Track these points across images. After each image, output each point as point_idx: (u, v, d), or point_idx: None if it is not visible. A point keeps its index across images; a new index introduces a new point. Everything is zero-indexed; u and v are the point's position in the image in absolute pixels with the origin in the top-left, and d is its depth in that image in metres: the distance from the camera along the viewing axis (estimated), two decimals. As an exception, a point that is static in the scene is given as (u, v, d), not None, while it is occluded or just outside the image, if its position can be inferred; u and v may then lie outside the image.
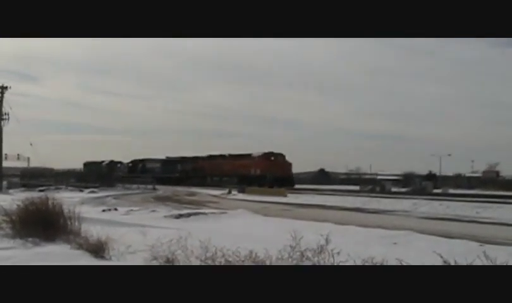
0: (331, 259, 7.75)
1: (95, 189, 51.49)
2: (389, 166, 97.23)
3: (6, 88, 51.99)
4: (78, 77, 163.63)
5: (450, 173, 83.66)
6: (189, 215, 20.20)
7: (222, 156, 72.14)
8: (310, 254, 7.97)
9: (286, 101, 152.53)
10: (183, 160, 79.92)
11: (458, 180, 78.43)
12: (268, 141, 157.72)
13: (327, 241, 9.02)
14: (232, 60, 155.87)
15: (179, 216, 20.18)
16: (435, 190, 52.91)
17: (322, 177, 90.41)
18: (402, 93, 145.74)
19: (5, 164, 57.32)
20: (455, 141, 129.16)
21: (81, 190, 49.74)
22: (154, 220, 18.74)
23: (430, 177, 73.84)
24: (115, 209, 24.71)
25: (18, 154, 73.50)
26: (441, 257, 6.97)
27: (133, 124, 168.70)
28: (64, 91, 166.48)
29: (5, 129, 51.89)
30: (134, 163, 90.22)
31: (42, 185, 49.99)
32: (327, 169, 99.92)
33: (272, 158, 63.17)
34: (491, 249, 11.73)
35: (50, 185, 53.71)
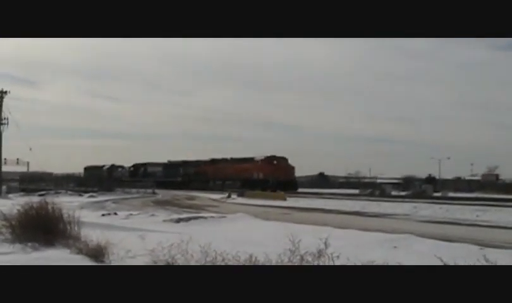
0: (331, 263, 7.76)
1: (94, 194, 51.49)
2: (389, 170, 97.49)
3: (6, 92, 52.00)
4: (77, 82, 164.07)
5: (449, 177, 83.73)
6: (188, 219, 20.19)
7: (224, 160, 71.72)
8: (309, 258, 7.98)
9: (285, 105, 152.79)
10: (185, 163, 79.38)
11: (458, 184, 78.40)
12: (267, 145, 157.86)
13: (327, 245, 9.03)
14: (232, 64, 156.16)
15: (179, 220, 20.16)
16: (435, 194, 52.93)
17: (321, 181, 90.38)
18: (402, 97, 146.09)
19: (4, 169, 57.34)
20: (454, 144, 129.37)
21: (81, 195, 49.76)
22: (154, 224, 18.72)
23: (430, 180, 73.95)
24: (115, 214, 24.69)
25: (18, 159, 73.66)
26: (441, 261, 6.98)
27: (133, 129, 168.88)
28: (63, 95, 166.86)
29: (4, 134, 51.94)
30: (136, 167, 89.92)
31: (41, 190, 49.99)
32: (327, 173, 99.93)
33: (275, 162, 62.74)
34: (491, 252, 11.73)
35: (50, 189, 53.67)
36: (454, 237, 15.91)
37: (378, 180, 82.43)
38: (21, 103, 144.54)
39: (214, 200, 45.14)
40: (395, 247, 12.81)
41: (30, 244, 11.10)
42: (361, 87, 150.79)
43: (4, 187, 55.25)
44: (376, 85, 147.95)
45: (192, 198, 48.38)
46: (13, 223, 12.31)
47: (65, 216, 12.41)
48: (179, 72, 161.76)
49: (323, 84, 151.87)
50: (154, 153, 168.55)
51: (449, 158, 78.85)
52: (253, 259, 7.99)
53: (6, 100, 52.18)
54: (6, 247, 11.04)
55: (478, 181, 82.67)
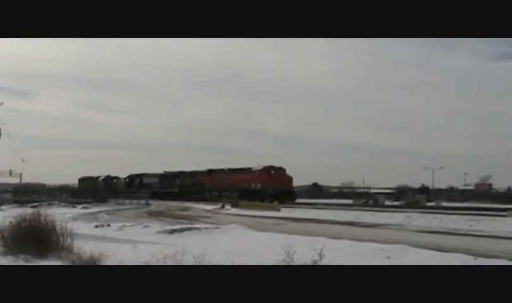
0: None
1: (87, 205, 51.25)
2: (382, 180, 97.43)
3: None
4: (71, 93, 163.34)
5: (443, 186, 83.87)
6: (182, 230, 20.11)
7: (221, 171, 71.00)
8: (304, 269, 7.97)
9: (278, 115, 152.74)
10: (182, 174, 78.42)
11: (451, 193, 78.55)
12: (260, 156, 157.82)
13: (321, 256, 9.03)
14: (223, 75, 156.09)
15: (172, 231, 20.08)
16: (428, 204, 52.96)
17: (315, 191, 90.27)
18: (395, 107, 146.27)
19: (-3, 180, 57.01)
20: (447, 154, 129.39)
21: (74, 206, 49.49)
22: (147, 236, 18.65)
23: (423, 190, 73.99)
24: (108, 225, 24.57)
25: (10, 170, 73.21)
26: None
27: (129, 139, 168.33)
28: (57, 106, 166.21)
29: (-3, 145, 51.60)
30: (132, 178, 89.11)
31: (34, 201, 49.73)
32: (320, 183, 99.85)
33: (273, 172, 62.12)
34: (485, 262, 11.76)
35: (43, 201, 53.41)
36: (448, 246, 15.93)
37: (372, 190, 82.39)
38: (14, 114, 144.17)
39: (208, 211, 45.03)
40: (389, 257, 12.81)
41: (22, 256, 11.03)
42: (354, 97, 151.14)
43: (-4, 199, 54.94)
44: (369, 95, 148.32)
45: (186, 209, 48.26)
46: (5, 235, 12.23)
47: (58, 227, 12.35)
48: (175, 82, 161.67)
49: (315, 95, 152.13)
50: (150, 164, 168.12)
51: (442, 168, 78.89)
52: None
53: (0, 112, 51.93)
54: (-2, 259, 10.96)
55: (471, 191, 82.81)
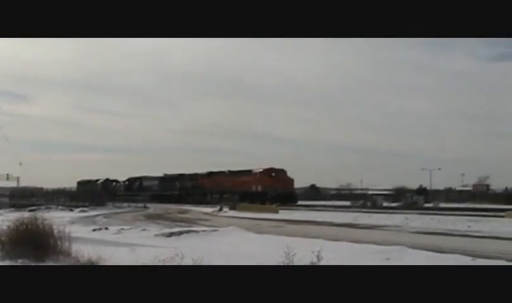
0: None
1: (85, 208, 51.21)
2: (380, 181, 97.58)
3: (-3, 108, 51.86)
4: (69, 96, 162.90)
5: (441, 187, 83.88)
6: (180, 233, 20.09)
7: (222, 173, 70.52)
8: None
9: (275, 117, 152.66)
10: (182, 177, 77.95)
11: (449, 194, 78.63)
12: (259, 158, 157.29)
13: (319, 258, 9.02)
14: (222, 77, 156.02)
15: (171, 234, 20.05)
16: (426, 205, 53.00)
17: (313, 193, 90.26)
18: (392, 108, 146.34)
19: (-6, 184, 56.98)
20: (445, 155, 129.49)
21: (72, 210, 49.46)
22: (145, 239, 18.63)
23: (421, 191, 74.08)
24: (106, 228, 24.53)
25: (8, 174, 73.20)
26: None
27: (127, 143, 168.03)
28: (55, 110, 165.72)
29: (-6, 149, 51.64)
30: (131, 181, 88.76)
31: (32, 205, 49.66)
32: (318, 185, 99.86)
33: (274, 174, 61.86)
34: (483, 263, 11.75)
35: (41, 204, 53.35)
36: (446, 247, 15.93)
37: (370, 192, 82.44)
38: (12, 118, 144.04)
39: (206, 213, 45.02)
40: (387, 258, 12.80)
41: (20, 260, 10.99)
42: (352, 98, 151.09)
43: (-7, 203, 54.91)
44: (366, 97, 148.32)
45: (184, 212, 48.24)
46: (3, 239, 12.20)
47: (55, 231, 12.32)
48: (174, 85, 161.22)
49: (313, 96, 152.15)
50: (149, 167, 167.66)
51: (439, 169, 78.83)
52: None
53: (-3, 116, 52.00)
54: (-4, 264, 10.93)
55: (469, 191, 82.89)
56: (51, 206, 53.40)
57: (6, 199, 67.50)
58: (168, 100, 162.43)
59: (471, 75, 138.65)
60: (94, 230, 24.01)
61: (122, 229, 23.90)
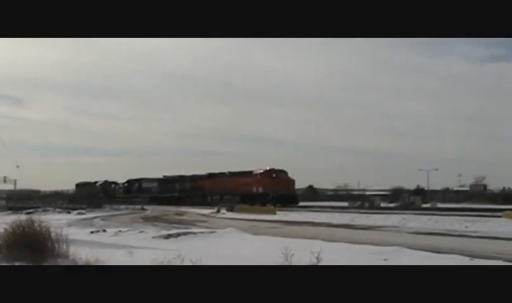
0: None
1: (82, 211, 51.10)
2: (377, 182, 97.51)
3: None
4: (67, 99, 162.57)
5: (438, 188, 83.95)
6: (178, 235, 20.06)
7: (222, 174, 69.98)
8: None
9: (274, 118, 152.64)
10: (182, 178, 77.59)
11: (446, 194, 78.69)
12: (257, 159, 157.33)
13: (318, 259, 9.02)
14: (220, 79, 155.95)
15: (168, 236, 20.02)
16: (424, 205, 53.06)
17: (310, 194, 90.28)
18: (390, 109, 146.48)
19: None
20: (442, 155, 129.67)
21: (69, 212, 49.32)
22: (143, 241, 18.59)
23: (418, 191, 74.17)
24: (104, 231, 24.49)
25: (5, 177, 73.14)
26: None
27: (127, 145, 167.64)
28: (53, 113, 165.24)
29: (-9, 152, 51.52)
30: (130, 183, 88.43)
31: (29, 208, 49.56)
32: (316, 185, 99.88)
33: (274, 175, 61.37)
34: (481, 263, 11.76)
35: (38, 207, 53.23)
36: (444, 248, 15.94)
37: (367, 193, 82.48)
38: (9, 121, 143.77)
39: (203, 215, 44.99)
40: (385, 259, 12.81)
41: (17, 263, 10.96)
42: (350, 99, 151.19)
43: (-10, 206, 54.76)
44: (364, 98, 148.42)
45: (181, 214, 48.18)
46: (0, 242, 12.17)
47: (53, 234, 12.28)
48: (172, 87, 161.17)
49: (311, 98, 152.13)
50: (149, 170, 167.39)
51: (437, 170, 78.76)
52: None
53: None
54: (-8, 267, 10.89)
55: (466, 192, 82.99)
56: (48, 208, 53.27)
57: (3, 202, 67.35)
58: (168, 103, 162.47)
59: (467, 76, 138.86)
60: (92, 232, 23.95)
61: (120, 231, 23.86)
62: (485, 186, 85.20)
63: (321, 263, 8.94)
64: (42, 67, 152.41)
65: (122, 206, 61.87)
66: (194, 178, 74.83)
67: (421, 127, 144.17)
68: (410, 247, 15.22)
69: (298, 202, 58.19)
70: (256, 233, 22.36)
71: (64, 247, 12.01)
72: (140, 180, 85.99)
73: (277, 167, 62.96)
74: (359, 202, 58.06)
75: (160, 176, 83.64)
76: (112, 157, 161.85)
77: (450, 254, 13.97)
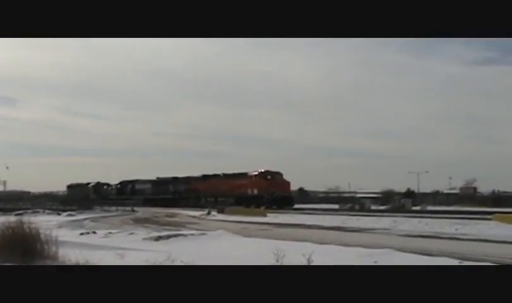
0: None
1: (72, 212, 50.88)
2: (368, 184, 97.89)
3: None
4: (59, 100, 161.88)
5: (428, 190, 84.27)
6: (168, 237, 20.02)
7: (216, 176, 69.13)
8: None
9: (263, 120, 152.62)
10: (175, 180, 76.59)
11: (437, 197, 79.05)
12: (247, 161, 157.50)
13: (310, 261, 9.02)
14: (214, 81, 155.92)
15: (159, 238, 19.98)
16: (414, 208, 53.26)
17: (301, 196, 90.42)
18: (380, 111, 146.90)
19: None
20: (432, 157, 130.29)
21: (59, 214, 49.12)
22: (133, 243, 18.54)
23: (409, 194, 74.42)
24: (94, 232, 24.39)
25: (-6, 178, 72.74)
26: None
27: (118, 146, 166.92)
28: (44, 113, 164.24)
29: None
30: (123, 184, 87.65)
31: (18, 209, 49.28)
32: (306, 188, 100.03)
33: (269, 177, 60.48)
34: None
35: (28, 208, 52.95)
36: (434, 250, 15.99)
37: (358, 195, 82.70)
38: (0, 121, 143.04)
39: (194, 217, 44.93)
40: (375, 261, 12.81)
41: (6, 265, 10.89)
42: (340, 101, 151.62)
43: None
44: (354, 99, 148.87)
45: (172, 215, 48.09)
46: (-11, 244, 12.08)
47: (42, 235, 12.21)
48: (166, 88, 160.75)
49: (301, 99, 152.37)
50: (142, 171, 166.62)
51: (427, 172, 79.04)
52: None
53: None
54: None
55: (456, 194, 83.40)
56: (38, 210, 53.00)
57: (-8, 203, 66.96)
58: (160, 103, 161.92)
59: (458, 78, 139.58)
60: (82, 234, 23.84)
61: (110, 233, 23.77)
62: (475, 189, 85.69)
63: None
64: (35, 67, 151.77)
65: (113, 208, 61.66)
66: (188, 180, 73.91)
67: (412, 129, 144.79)
68: (400, 249, 15.25)
69: (293, 205, 57.65)
70: (247, 236, 22.36)
71: (54, 248, 11.94)
72: (133, 182, 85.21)
73: (266, 168, 62.41)
74: (349, 205, 58.17)
75: (153, 177, 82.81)
76: (104, 158, 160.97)
77: (440, 256, 14.01)
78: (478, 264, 11.92)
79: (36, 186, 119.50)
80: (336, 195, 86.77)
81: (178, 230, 24.99)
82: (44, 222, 19.31)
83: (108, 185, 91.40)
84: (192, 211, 51.94)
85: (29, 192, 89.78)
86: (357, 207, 55.17)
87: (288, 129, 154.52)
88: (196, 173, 73.92)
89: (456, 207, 53.02)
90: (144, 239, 20.09)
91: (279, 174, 61.83)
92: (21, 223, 12.59)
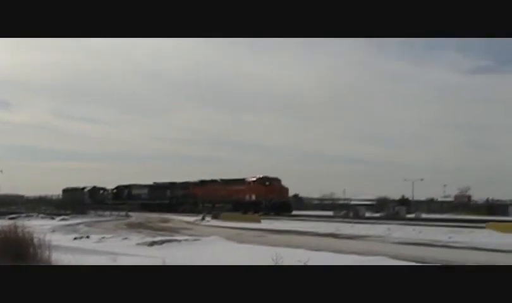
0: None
1: (66, 217, 50.78)
2: (363, 191, 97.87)
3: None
4: (53, 103, 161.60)
5: (423, 198, 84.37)
6: (162, 242, 19.99)
7: (214, 182, 68.66)
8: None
9: (258, 126, 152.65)
10: (173, 185, 76.11)
11: (431, 205, 79.19)
12: (246, 167, 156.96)
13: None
14: (207, 85, 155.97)
15: (152, 243, 19.95)
16: (408, 215, 53.31)
17: (296, 203, 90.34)
18: (375, 118, 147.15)
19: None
20: (427, 165, 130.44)
21: (53, 218, 49.00)
22: (127, 248, 18.51)
23: (403, 201, 74.48)
24: (87, 237, 24.34)
25: (-13, 182, 72.39)
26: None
27: (116, 151, 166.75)
28: (39, 116, 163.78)
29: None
30: (120, 189, 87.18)
31: (12, 213, 49.11)
32: (301, 194, 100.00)
33: (267, 183, 60.21)
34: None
35: (21, 212, 52.77)
36: (428, 258, 16.01)
37: (352, 202, 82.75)
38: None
39: (188, 222, 44.88)
40: (369, 269, 12.82)
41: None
42: (335, 107, 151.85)
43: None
44: (350, 106, 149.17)
45: (165, 221, 48.01)
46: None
47: (35, 240, 12.17)
48: (164, 93, 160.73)
49: (296, 105, 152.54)
50: (138, 176, 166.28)
51: (422, 180, 79.14)
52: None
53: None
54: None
55: (450, 202, 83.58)
56: (32, 214, 52.83)
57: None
58: (159, 108, 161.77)
59: (453, 86, 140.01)
60: (75, 238, 23.80)
61: (104, 238, 23.73)
62: (469, 197, 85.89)
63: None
64: (30, 69, 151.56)
65: (107, 213, 61.49)
66: (185, 185, 73.45)
67: (407, 136, 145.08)
68: (394, 257, 15.25)
69: (291, 211, 57.50)
70: (241, 242, 22.34)
71: (47, 253, 11.90)
72: (129, 187, 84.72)
73: (265, 174, 62.10)
74: (344, 212, 58.18)
75: (150, 182, 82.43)
76: (101, 163, 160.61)
77: (433, 264, 14.01)
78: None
79: (31, 190, 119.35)
80: (331, 202, 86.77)
81: (172, 236, 24.96)
82: (37, 226, 19.27)
83: (104, 189, 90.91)
84: (186, 217, 51.86)
85: (22, 196, 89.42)
86: (351, 214, 55.17)
87: (287, 135, 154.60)
88: (195, 178, 73.71)
89: (449, 216, 53.11)
90: (138, 244, 20.06)
91: (277, 180, 61.59)
92: (14, 227, 12.54)
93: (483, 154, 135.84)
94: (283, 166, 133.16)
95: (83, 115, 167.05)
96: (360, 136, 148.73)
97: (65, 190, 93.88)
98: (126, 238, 23.35)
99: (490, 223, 30.36)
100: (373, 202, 78.35)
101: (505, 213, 55.78)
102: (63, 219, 47.03)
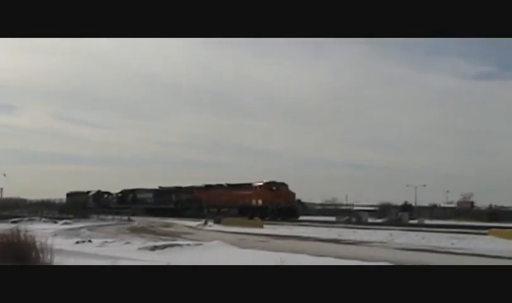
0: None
1: (69, 221, 50.81)
2: (366, 197, 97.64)
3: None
4: (56, 107, 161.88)
5: (425, 204, 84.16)
6: (164, 247, 19.98)
7: (219, 186, 68.35)
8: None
9: (260, 131, 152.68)
10: (178, 189, 75.62)
11: (434, 211, 78.91)
12: (246, 171, 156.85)
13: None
14: (207, 89, 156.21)
15: (154, 247, 19.94)
16: (411, 221, 53.20)
17: (299, 208, 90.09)
18: (378, 123, 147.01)
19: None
20: (430, 170, 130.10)
21: (55, 222, 49.06)
22: (129, 252, 18.50)
23: (406, 207, 74.26)
24: (89, 241, 24.34)
25: (-9, 186, 72.50)
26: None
27: (118, 155, 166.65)
28: (43, 120, 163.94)
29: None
30: (124, 193, 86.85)
31: (14, 217, 49.17)
32: (303, 200, 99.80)
33: (274, 188, 59.84)
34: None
35: (24, 216, 52.82)
36: (430, 264, 15.94)
37: (355, 207, 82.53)
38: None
39: (190, 227, 44.80)
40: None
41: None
42: (337, 112, 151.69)
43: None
44: (352, 110, 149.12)
45: (168, 225, 48.00)
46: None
47: (38, 244, 12.17)
48: (169, 97, 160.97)
49: (296, 109, 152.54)
50: (143, 180, 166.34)
51: (424, 186, 78.85)
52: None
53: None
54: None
55: (453, 208, 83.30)
56: (34, 217, 52.88)
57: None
58: (158, 112, 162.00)
59: (456, 92, 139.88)
60: (77, 242, 23.79)
61: (106, 242, 23.73)
62: (472, 203, 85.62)
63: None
64: (33, 74, 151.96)
65: (109, 217, 61.47)
66: (191, 189, 73.02)
67: (410, 142, 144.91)
68: (397, 263, 15.21)
69: (298, 216, 57.06)
70: (243, 247, 22.29)
71: (49, 257, 11.90)
72: (134, 191, 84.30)
73: (271, 179, 61.70)
74: (346, 217, 58.04)
75: (155, 187, 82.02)
76: (101, 166, 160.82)
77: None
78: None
79: (35, 193, 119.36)
80: (333, 207, 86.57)
81: (174, 240, 24.94)
82: (40, 230, 19.28)
83: (109, 193, 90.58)
84: (189, 221, 51.78)
85: (25, 200, 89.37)
86: (354, 219, 55.05)
87: (286, 139, 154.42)
88: (195, 182, 73.51)
89: (452, 222, 53.00)
90: (140, 249, 20.04)
91: (284, 185, 61.20)
92: (17, 230, 12.55)
93: (484, 160, 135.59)
94: (286, 171, 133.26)
95: (83, 119, 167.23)
96: (360, 140, 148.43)
97: (69, 194, 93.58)
98: (128, 243, 23.34)
99: (493, 229, 30.29)
100: (376, 208, 78.09)
101: (509, 220, 55.62)
102: (65, 223, 47.07)
